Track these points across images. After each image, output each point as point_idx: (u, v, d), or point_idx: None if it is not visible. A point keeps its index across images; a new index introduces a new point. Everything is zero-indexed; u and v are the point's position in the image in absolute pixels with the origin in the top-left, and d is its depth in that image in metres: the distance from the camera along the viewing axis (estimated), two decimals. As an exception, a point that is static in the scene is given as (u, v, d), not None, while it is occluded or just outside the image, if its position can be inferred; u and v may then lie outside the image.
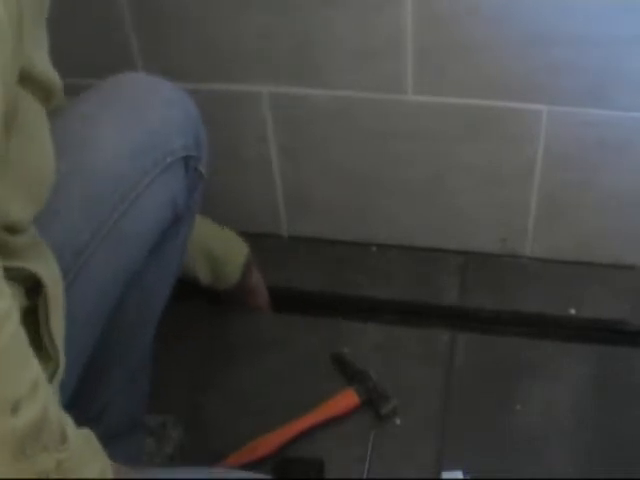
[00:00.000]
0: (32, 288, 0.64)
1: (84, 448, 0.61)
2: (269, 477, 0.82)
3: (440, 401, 1.16)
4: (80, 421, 0.63)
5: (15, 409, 0.51)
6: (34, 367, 0.55)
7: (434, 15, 1.06)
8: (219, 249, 1.18)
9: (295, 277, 1.32)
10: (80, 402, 0.66)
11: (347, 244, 1.37)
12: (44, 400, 0.54)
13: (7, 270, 0.57)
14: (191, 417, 1.17)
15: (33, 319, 0.64)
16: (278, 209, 1.36)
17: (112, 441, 0.99)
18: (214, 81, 1.20)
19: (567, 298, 1.27)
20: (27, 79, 0.60)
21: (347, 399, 1.16)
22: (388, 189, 1.29)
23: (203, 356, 1.25)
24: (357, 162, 1.27)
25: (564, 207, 1.25)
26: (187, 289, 1.11)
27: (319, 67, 1.16)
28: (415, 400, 1.16)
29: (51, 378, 0.64)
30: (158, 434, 1.13)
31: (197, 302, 1.27)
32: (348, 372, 1.20)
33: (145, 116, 0.88)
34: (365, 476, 1.10)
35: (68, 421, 0.61)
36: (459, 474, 1.08)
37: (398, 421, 1.15)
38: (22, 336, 0.54)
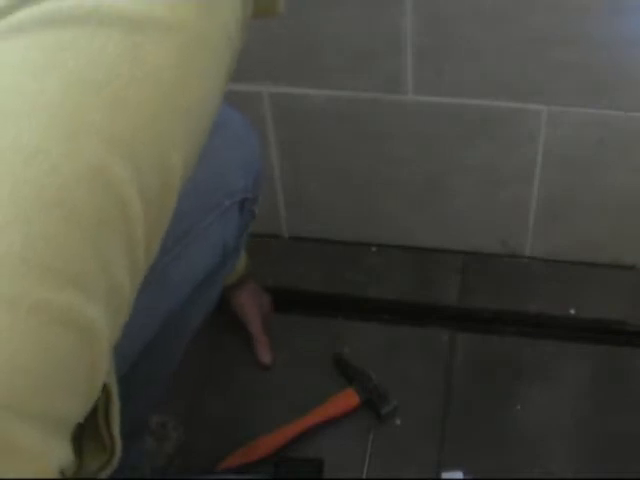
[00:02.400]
0: None
1: None
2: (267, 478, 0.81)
3: (440, 401, 1.17)
4: None
5: None
6: None
7: (434, 15, 1.06)
8: None
9: (295, 277, 1.32)
10: None
11: (347, 244, 1.37)
12: None
13: None
14: (191, 417, 1.17)
15: None
16: (278, 209, 1.36)
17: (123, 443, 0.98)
18: (214, 81, 1.20)
19: (567, 298, 1.27)
20: None
21: (347, 399, 1.16)
22: (388, 189, 1.29)
23: (203, 356, 1.25)
24: (357, 162, 1.27)
25: (564, 207, 1.25)
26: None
27: (319, 67, 1.16)
28: (415, 400, 1.16)
29: (105, 466, 0.60)
30: (158, 434, 1.13)
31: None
32: (348, 372, 1.20)
33: (210, 154, 0.83)
34: (364, 476, 1.10)
35: None
36: (459, 474, 1.08)
37: (398, 421, 1.15)
38: None
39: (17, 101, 0.42)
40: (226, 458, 1.11)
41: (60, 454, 0.44)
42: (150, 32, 0.45)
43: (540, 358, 1.20)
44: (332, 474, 1.09)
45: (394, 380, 1.18)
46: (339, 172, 1.29)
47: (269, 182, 1.32)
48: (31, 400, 0.42)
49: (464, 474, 1.08)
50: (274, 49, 1.14)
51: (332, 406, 1.16)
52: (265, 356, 1.23)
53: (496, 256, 1.33)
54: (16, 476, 0.40)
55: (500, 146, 1.20)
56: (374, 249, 1.37)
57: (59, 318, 0.42)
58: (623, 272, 1.30)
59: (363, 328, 1.26)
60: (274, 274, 1.29)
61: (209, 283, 0.91)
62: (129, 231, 0.45)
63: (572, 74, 1.08)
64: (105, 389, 0.59)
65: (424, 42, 1.09)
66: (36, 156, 0.42)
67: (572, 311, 1.26)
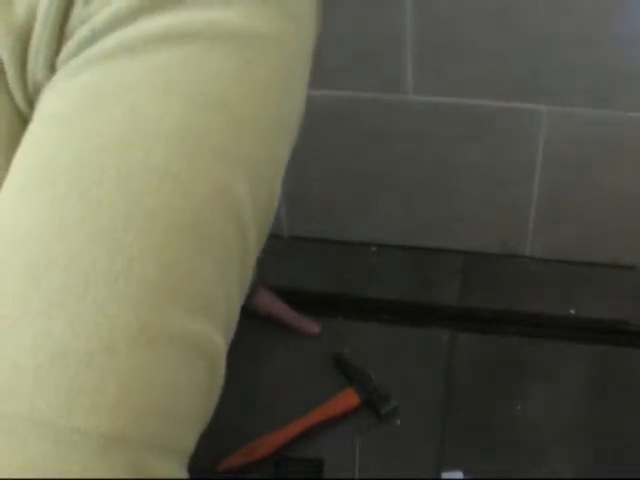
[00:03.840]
0: None
1: None
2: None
3: (440, 401, 1.16)
4: None
5: None
6: None
7: (434, 15, 1.06)
8: None
9: (295, 277, 1.32)
10: None
11: (347, 244, 1.37)
12: None
13: None
14: (191, 417, 1.17)
15: None
16: (278, 209, 1.35)
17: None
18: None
19: (567, 298, 1.27)
20: None
21: (347, 399, 1.16)
22: (388, 189, 1.29)
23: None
24: (357, 162, 1.27)
25: (564, 207, 1.25)
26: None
27: (319, 67, 1.15)
28: (415, 400, 1.16)
29: None
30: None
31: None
32: (348, 372, 1.19)
33: None
34: (364, 476, 1.10)
35: None
36: (459, 474, 1.08)
37: (398, 421, 1.15)
38: None
39: (141, 124, 0.41)
40: (226, 458, 1.11)
41: None
42: (257, 47, 0.44)
43: (540, 358, 1.20)
44: (332, 474, 1.09)
45: (394, 380, 1.18)
46: (339, 172, 1.29)
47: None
48: (171, 436, 0.41)
49: (464, 474, 1.08)
50: (274, 49, 1.14)
51: (332, 406, 1.15)
52: (313, 326, 1.24)
53: (496, 256, 1.33)
54: None
55: (500, 146, 1.20)
56: (374, 249, 1.37)
57: (194, 349, 0.41)
58: (623, 272, 1.30)
59: (363, 328, 1.26)
60: (274, 274, 1.28)
61: None
62: (244, 256, 0.44)
63: (572, 74, 1.08)
64: None
65: (424, 42, 1.09)
66: (166, 179, 0.40)
67: (572, 311, 1.26)
